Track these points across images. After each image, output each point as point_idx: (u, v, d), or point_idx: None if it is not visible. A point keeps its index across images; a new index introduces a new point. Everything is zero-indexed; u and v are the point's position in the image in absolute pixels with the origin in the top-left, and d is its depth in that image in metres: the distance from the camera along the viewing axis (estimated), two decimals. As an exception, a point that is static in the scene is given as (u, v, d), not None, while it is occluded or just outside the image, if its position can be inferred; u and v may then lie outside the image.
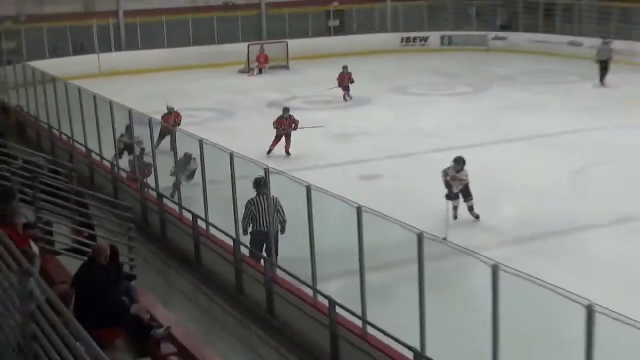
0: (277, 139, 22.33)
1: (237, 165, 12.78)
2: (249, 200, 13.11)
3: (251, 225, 13.21)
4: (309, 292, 11.27)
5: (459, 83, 33.95)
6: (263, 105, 30.11)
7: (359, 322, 10.20)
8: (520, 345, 10.08)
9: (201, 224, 14.22)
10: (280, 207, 12.98)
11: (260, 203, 13.01)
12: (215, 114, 28.68)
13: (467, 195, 16.37)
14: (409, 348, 9.17)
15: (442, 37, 44.22)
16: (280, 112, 22.95)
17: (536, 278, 8.07)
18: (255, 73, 37.65)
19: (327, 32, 44.50)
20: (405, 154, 21.88)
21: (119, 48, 40.17)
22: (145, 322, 9.06)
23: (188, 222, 14.58)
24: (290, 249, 12.72)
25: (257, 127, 25.83)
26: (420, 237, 8.82)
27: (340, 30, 44.98)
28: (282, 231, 13.11)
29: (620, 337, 7.81)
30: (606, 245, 15.08)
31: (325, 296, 10.88)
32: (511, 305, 11.19)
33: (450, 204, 16.36)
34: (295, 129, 22.53)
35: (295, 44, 40.10)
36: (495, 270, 7.99)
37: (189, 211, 14.53)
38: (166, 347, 9.02)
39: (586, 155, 21.14)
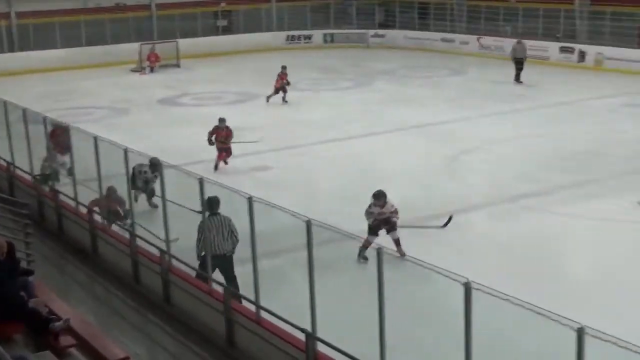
0: (220, 153, 19.81)
1: (130, 160, 12.52)
2: (200, 223, 11.29)
3: (204, 249, 11.38)
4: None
5: (341, 78, 34.16)
6: (155, 102, 29.65)
7: (253, 308, 10.11)
8: (404, 320, 10.17)
9: (97, 217, 13.89)
10: (234, 227, 11.51)
11: (213, 224, 11.41)
12: (109, 111, 28.06)
13: (391, 228, 13.76)
14: (301, 330, 9.13)
15: (325, 35, 44.46)
16: (217, 122, 20.08)
17: (417, 259, 8.15)
18: (147, 72, 37.02)
19: (216, 31, 44.14)
20: (292, 146, 21.86)
21: (11, 49, 38.88)
22: (44, 316, 8.75)
23: (84, 216, 14.22)
24: (187, 239, 12.52)
25: (149, 123, 25.48)
26: (308, 224, 8.79)
27: (228, 30, 44.73)
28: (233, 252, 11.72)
29: (495, 311, 7.96)
30: (481, 225, 15.41)
31: (220, 284, 10.77)
32: (396, 285, 11.32)
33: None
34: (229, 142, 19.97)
35: (186, 43, 39.64)
36: (379, 253, 8.02)
37: (85, 205, 14.17)
38: (65, 340, 8.73)
39: (458, 143, 21.55)
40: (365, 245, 12.55)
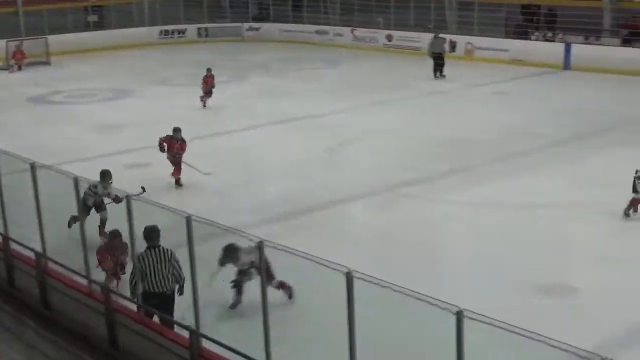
0: (177, 166, 17.54)
1: (1, 161, 12.10)
2: (137, 256, 9.98)
3: (141, 285, 10.05)
4: (84, 282, 10.87)
5: (217, 73, 33.78)
6: (25, 101, 28.73)
7: (134, 307, 9.96)
8: (288, 313, 10.23)
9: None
10: (177, 261, 10.17)
11: (151, 258, 10.08)
12: (-24, 111, 27.05)
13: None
14: (185, 327, 9.06)
15: (199, 29, 44.04)
16: (171, 133, 17.67)
17: (298, 250, 8.19)
18: (15, 70, 35.78)
19: (87, 27, 43.10)
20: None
21: None
22: None
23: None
24: (62, 240, 12.23)
25: (19, 123, 24.70)
26: (188, 220, 8.71)
27: (99, 25, 43.71)
28: (181, 291, 10.28)
29: (377, 299, 8.08)
30: (362, 215, 15.60)
31: (99, 284, 10.55)
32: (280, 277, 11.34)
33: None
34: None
35: (56, 40, 38.50)
36: (260, 246, 8.04)
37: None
38: (-63, 350, 8.40)
39: (337, 135, 21.76)
40: None
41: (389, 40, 38.31)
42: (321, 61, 35.97)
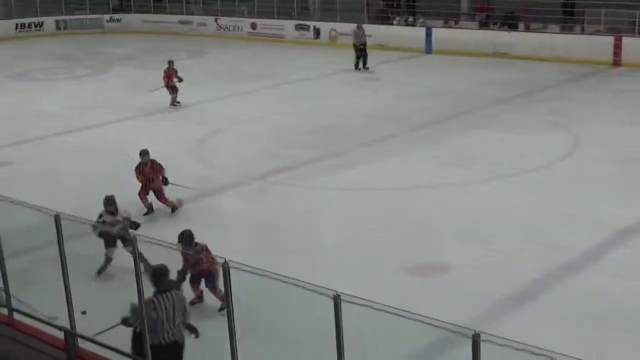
0: (150, 193, 15.03)
1: None
2: (145, 303, 8.05)
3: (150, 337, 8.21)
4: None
5: (79, 66, 33.13)
6: None
7: (4, 311, 9.66)
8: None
9: None
10: (186, 306, 8.75)
11: (164, 304, 8.25)
12: None
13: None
14: (59, 328, 8.86)
15: (58, 22, 42.81)
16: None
17: (169, 242, 8.18)
18: None
19: None
20: (33, 138, 20.95)
21: None
22: None
23: None
24: None
25: None
26: (57, 218, 8.51)
27: (-51, 19, 41.88)
28: (197, 334, 9.53)
29: (254, 288, 8.13)
30: (233, 205, 15.58)
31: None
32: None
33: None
34: (165, 183, 15.03)
35: None
36: (134, 240, 7.94)
37: None
38: None
39: (204, 125, 21.64)
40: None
41: (253, 29, 38.31)
42: (185, 51, 35.58)
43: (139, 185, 14.82)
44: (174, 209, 14.80)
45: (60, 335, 8.88)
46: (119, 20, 43.03)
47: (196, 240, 10.68)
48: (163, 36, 40.20)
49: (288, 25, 36.95)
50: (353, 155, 18.43)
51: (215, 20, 39.87)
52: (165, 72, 24.07)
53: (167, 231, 11.45)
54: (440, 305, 9.64)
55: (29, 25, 42.44)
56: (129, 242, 10.42)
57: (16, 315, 9.62)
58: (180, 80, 23.98)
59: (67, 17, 43.02)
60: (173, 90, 23.98)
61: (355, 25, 29.93)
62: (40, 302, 10.25)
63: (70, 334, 8.71)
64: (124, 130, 21.71)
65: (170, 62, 24.21)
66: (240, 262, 7.05)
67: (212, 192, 16.16)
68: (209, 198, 15.83)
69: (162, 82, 24.05)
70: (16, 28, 42.06)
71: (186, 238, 10.59)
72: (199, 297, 10.92)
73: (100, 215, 12.15)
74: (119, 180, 15.55)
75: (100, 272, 11.96)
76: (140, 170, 14.89)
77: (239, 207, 15.52)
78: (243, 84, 27.27)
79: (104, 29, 42.68)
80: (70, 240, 8.87)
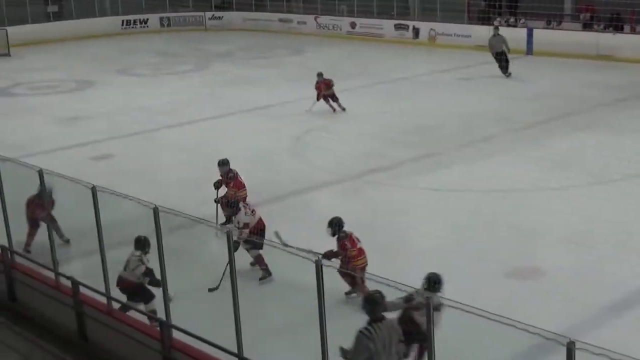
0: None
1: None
2: (361, 333, 7.25)
3: None
4: (51, 275, 10.79)
5: (181, 62, 33.77)
6: (-14, 93, 28.42)
7: (103, 299, 9.91)
8: (260, 302, 10.24)
9: None
10: (400, 334, 7.58)
11: (380, 334, 7.29)
12: None
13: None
14: (155, 319, 9.04)
15: (162, 19, 43.78)
16: None
17: (268, 240, 8.22)
18: None
19: (47, 18, 42.63)
20: (134, 132, 21.46)
21: None
22: None
23: None
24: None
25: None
26: (155, 211, 8.68)
27: (59, 16, 43.24)
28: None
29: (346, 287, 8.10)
30: (328, 203, 15.58)
31: (67, 277, 10.47)
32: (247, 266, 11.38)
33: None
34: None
35: (15, 31, 38.05)
36: (229, 235, 8.03)
37: None
38: None
39: (302, 123, 21.75)
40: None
41: (353, 28, 38.34)
42: (285, 49, 35.93)
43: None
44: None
45: (156, 325, 9.06)
46: (220, 18, 43.71)
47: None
48: (263, 34, 40.66)
49: (387, 25, 36.83)
50: (451, 156, 18.24)
51: (315, 18, 40.05)
52: (316, 84, 22.97)
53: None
54: (537, 311, 9.46)
55: (135, 21, 43.53)
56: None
57: (115, 305, 9.87)
58: (331, 85, 22.93)
59: (170, 14, 43.94)
60: (331, 97, 22.90)
61: (493, 32, 27.95)
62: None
63: (166, 325, 8.87)
64: (222, 126, 22.01)
65: (319, 74, 23.08)
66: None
67: (308, 190, 16.23)
68: (305, 195, 15.89)
69: (316, 95, 22.91)
70: (122, 24, 43.19)
71: (336, 224, 11.26)
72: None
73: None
74: (213, 178, 15.78)
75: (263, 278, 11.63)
76: (225, 182, 14.08)
77: (335, 205, 15.50)
78: (341, 83, 27.18)
79: (205, 26, 43.40)
80: (169, 233, 9.03)
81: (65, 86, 29.02)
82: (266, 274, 11.55)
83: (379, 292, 7.28)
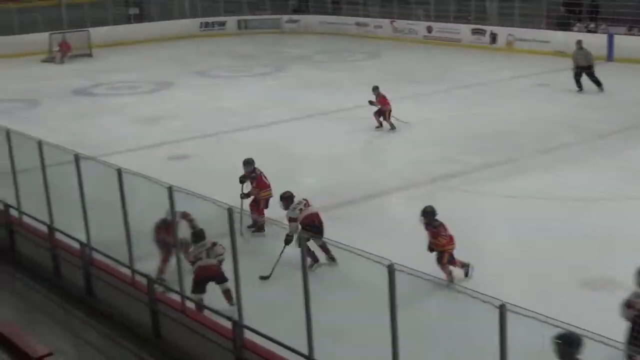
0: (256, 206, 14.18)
1: (46, 153, 12.27)
2: None
3: None
4: (128, 272, 11.02)
5: (258, 64, 34.06)
6: (68, 92, 29.08)
7: (178, 297, 10.07)
8: (331, 306, 10.26)
9: (14, 213, 13.60)
10: None
11: None
12: (20, 103, 27.37)
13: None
14: (228, 318, 9.14)
15: (239, 22, 44.21)
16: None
17: (339, 242, 8.23)
18: (65, 60, 36.01)
19: (128, 20, 43.52)
20: (210, 133, 21.73)
21: None
22: (-37, 315, 8.52)
23: None
24: (107, 231, 12.38)
25: (62, 115, 25.02)
26: (230, 212, 8.80)
27: (140, 18, 44.08)
28: None
29: (419, 291, 8.09)
30: (401, 208, 15.57)
31: (143, 275, 10.67)
32: (320, 269, 11.42)
33: None
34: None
35: (97, 32, 38.93)
36: (301, 237, 8.08)
37: (1, 201, 13.85)
38: (-15, 338, 8.56)
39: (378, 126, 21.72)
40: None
41: (429, 32, 38.14)
42: (361, 53, 35.96)
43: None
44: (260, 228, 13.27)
45: (228, 325, 9.16)
46: (297, 21, 43.95)
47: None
48: (339, 37, 40.75)
49: (464, 30, 36.54)
50: (526, 163, 18.01)
51: (391, 22, 39.95)
52: (376, 98, 21.42)
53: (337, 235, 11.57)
54: (611, 323, 9.26)
55: (213, 24, 44.08)
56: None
57: (188, 304, 10.02)
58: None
59: (248, 17, 44.36)
60: (386, 113, 21.39)
61: (576, 46, 26.09)
62: (211, 292, 10.65)
63: (238, 325, 8.97)
64: (297, 128, 22.13)
65: (375, 88, 21.65)
66: (404, 264, 7.05)
67: (380, 194, 16.22)
68: (377, 200, 15.89)
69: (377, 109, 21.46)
70: (200, 27, 43.78)
71: (429, 213, 11.93)
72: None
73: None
74: (291, 178, 15.90)
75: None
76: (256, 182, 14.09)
77: (406, 210, 15.47)
78: (416, 87, 27.21)
79: (282, 29, 43.70)
80: (243, 233, 9.13)
81: (144, 87, 29.54)
82: (313, 262, 11.69)
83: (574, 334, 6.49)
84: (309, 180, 16.94)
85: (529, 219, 14.44)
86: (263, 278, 11.42)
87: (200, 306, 10.22)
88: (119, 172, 10.64)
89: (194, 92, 28.17)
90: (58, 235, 12.48)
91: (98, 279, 11.52)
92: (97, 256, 11.71)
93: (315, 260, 11.82)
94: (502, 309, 6.27)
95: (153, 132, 22.22)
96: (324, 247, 11.88)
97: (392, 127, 21.22)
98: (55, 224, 12.54)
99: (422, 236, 13.64)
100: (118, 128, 22.73)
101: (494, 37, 35.08)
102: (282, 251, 11.38)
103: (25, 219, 13.43)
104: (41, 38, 37.27)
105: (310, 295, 8.14)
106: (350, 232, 13.06)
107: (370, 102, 21.30)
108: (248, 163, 14.22)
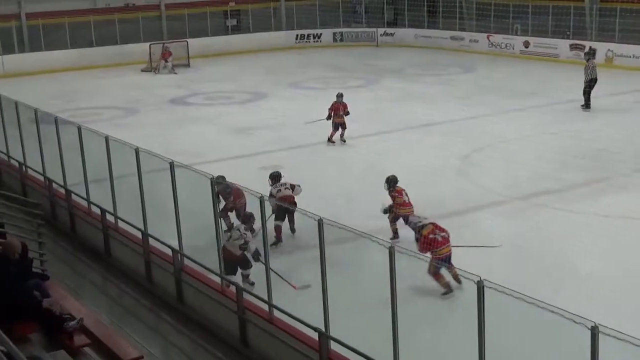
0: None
1: (142, 160, 12.53)
2: None
3: None
4: (217, 279, 11.15)
5: (352, 77, 34.14)
6: (165, 101, 29.72)
7: (265, 307, 10.13)
8: (417, 320, 10.18)
9: (110, 218, 13.93)
10: None
11: None
12: (119, 111, 28.13)
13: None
14: (314, 329, 9.15)
15: (335, 34, 44.44)
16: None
17: (427, 257, 8.17)
18: (175, 71, 36.70)
19: (225, 31, 44.26)
20: (302, 145, 21.88)
21: (22, 50, 39.09)
22: (58, 316, 8.80)
23: (97, 216, 14.27)
24: (198, 239, 12.56)
25: (159, 123, 25.55)
26: (320, 223, 8.81)
27: (237, 29, 44.81)
28: None
29: (509, 310, 7.91)
30: (494, 224, 15.36)
31: (232, 283, 10.79)
32: (408, 282, 11.34)
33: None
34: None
35: (195, 43, 39.72)
36: (391, 251, 8.03)
37: (98, 206, 14.21)
38: (79, 339, 8.79)
39: (470, 141, 21.50)
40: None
41: (526, 47, 37.61)
42: (456, 67, 35.67)
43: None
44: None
45: (314, 335, 9.17)
46: (392, 34, 43.90)
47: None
48: (434, 51, 40.53)
49: (562, 45, 35.91)
50: (624, 182, 17.55)
51: (488, 37, 39.56)
52: (333, 104, 22.07)
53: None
54: None
55: (308, 36, 44.45)
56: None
57: (276, 313, 10.07)
58: (347, 113, 21.88)
59: (343, 30, 44.57)
60: (340, 125, 21.86)
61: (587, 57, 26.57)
62: (297, 301, 10.68)
63: (324, 336, 8.97)
64: (389, 141, 22.08)
65: (339, 95, 22.26)
66: (495, 281, 6.94)
67: (473, 209, 16.04)
68: (470, 215, 15.72)
69: (325, 114, 22.22)
70: (296, 39, 44.21)
71: (391, 180, 14.31)
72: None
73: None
74: (381, 190, 15.84)
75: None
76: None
77: (499, 226, 15.28)
78: (512, 102, 26.84)
79: (377, 42, 43.72)
80: (332, 245, 9.14)
81: (239, 97, 29.95)
82: (278, 241, 13.46)
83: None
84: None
85: (624, 238, 14.07)
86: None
87: (287, 314, 10.22)
88: (212, 180, 10.80)
89: (287, 104, 28.41)
90: (151, 242, 12.72)
91: (188, 285, 11.69)
92: (188, 263, 11.89)
93: (279, 240, 13.51)
94: (595, 331, 6.11)
95: (246, 142, 22.47)
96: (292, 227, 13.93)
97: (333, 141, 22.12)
98: (148, 230, 12.78)
99: (511, 253, 13.47)
100: (211, 137, 23.09)
101: (593, 53, 34.27)
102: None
103: (121, 225, 13.73)
104: (141, 48, 38.23)
105: (398, 308, 8.10)
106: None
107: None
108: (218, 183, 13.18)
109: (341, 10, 45.38)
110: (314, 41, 44.37)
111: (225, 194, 14.48)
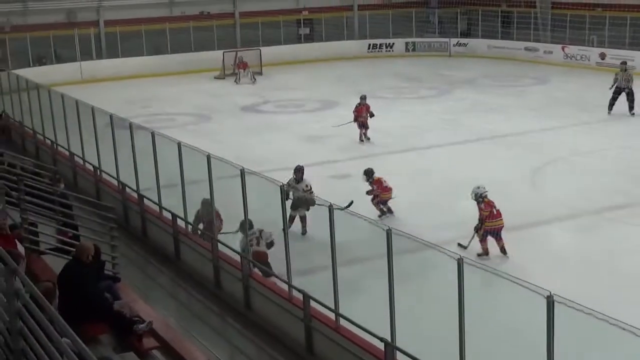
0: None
1: (213, 166, 12.67)
2: None
3: None
4: (285, 287, 11.20)
5: (423, 87, 34.03)
6: (237, 109, 30.03)
7: (332, 315, 10.14)
8: (483, 333, 10.07)
9: (180, 223, 14.11)
10: None
11: None
12: (192, 117, 28.53)
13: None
14: (380, 339, 9.12)
15: (407, 44, 44.34)
16: None
17: (498, 270, 8.06)
18: (252, 81, 36.75)
19: (298, 39, 44.52)
20: (372, 154, 21.83)
21: (100, 56, 39.99)
22: (128, 318, 8.96)
23: (168, 221, 14.46)
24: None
25: (231, 130, 25.82)
26: (388, 233, 8.79)
27: (310, 38, 45.04)
28: None
29: (578, 325, 7.80)
30: (564, 237, 15.15)
31: (299, 290, 10.82)
32: (475, 296, 11.21)
33: None
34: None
35: (268, 51, 40.05)
36: (460, 263, 7.97)
37: (169, 211, 14.41)
38: (148, 342, 8.92)
39: (542, 153, 21.22)
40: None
41: (602, 59, 36.96)
42: (529, 78, 35.26)
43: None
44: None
45: (380, 345, 9.15)
46: (465, 45, 43.60)
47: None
48: (507, 62, 40.11)
49: (639, 57, 35.20)
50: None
51: (563, 48, 39.00)
52: (356, 107, 23.65)
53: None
54: None
55: (380, 45, 44.43)
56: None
57: (342, 322, 10.07)
58: (371, 115, 23.35)
59: (416, 40, 44.43)
60: (363, 125, 23.46)
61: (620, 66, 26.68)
62: (364, 311, 10.66)
63: (390, 346, 8.94)
64: (459, 152, 21.92)
65: (363, 98, 23.77)
66: (565, 296, 6.83)
67: (542, 222, 15.82)
68: (539, 228, 15.51)
69: (351, 117, 23.68)
70: (368, 48, 44.24)
71: (367, 172, 16.14)
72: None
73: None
74: (451, 201, 15.78)
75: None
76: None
77: (570, 240, 15.06)
78: (586, 114, 26.41)
79: (449, 52, 43.47)
80: (401, 255, 9.11)
81: (310, 105, 30.09)
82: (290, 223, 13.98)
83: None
84: (467, 203, 16.72)
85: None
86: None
87: (353, 324, 10.21)
88: (282, 188, 10.87)
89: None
90: (220, 247, 12.84)
91: (256, 292, 11.77)
92: (256, 269, 11.97)
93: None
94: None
95: (316, 150, 22.56)
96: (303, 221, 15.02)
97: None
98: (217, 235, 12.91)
99: (580, 267, 13.24)
100: (282, 145, 23.23)
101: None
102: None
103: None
104: (215, 56, 38.70)
105: (466, 320, 8.03)
106: (507, 260, 12.85)
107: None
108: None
109: (414, 20, 45.21)
110: (386, 50, 44.34)
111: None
